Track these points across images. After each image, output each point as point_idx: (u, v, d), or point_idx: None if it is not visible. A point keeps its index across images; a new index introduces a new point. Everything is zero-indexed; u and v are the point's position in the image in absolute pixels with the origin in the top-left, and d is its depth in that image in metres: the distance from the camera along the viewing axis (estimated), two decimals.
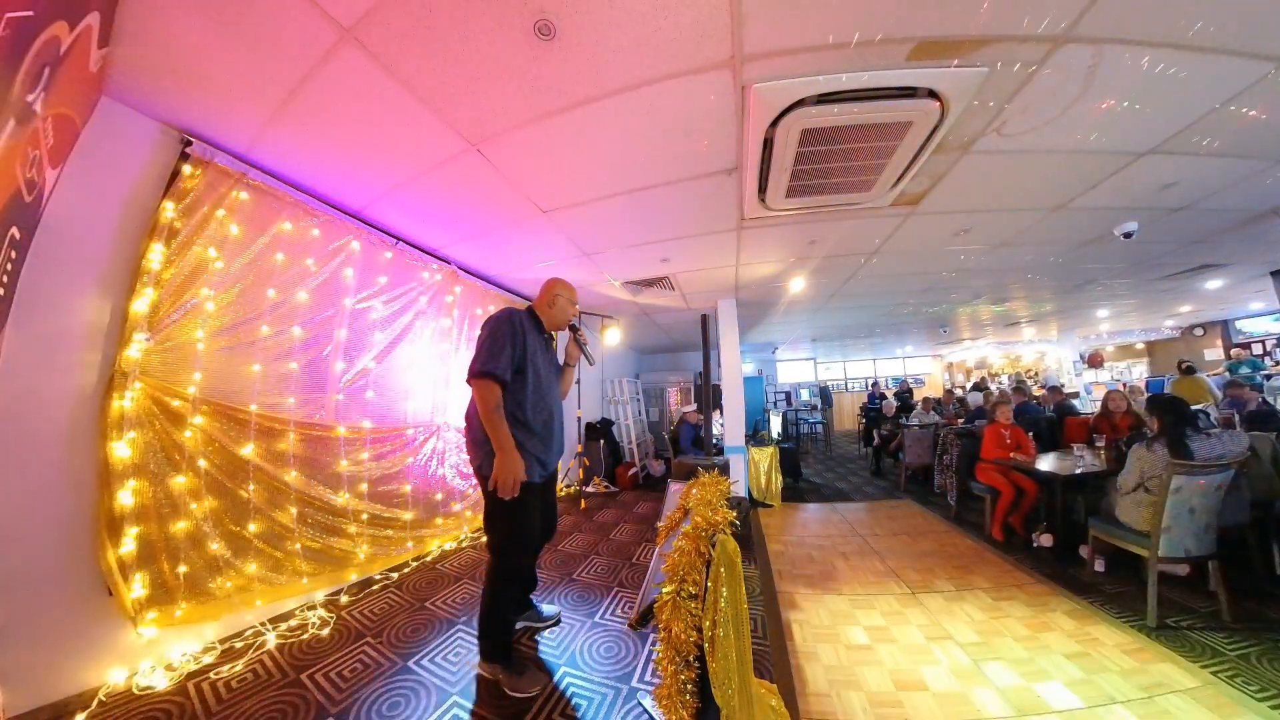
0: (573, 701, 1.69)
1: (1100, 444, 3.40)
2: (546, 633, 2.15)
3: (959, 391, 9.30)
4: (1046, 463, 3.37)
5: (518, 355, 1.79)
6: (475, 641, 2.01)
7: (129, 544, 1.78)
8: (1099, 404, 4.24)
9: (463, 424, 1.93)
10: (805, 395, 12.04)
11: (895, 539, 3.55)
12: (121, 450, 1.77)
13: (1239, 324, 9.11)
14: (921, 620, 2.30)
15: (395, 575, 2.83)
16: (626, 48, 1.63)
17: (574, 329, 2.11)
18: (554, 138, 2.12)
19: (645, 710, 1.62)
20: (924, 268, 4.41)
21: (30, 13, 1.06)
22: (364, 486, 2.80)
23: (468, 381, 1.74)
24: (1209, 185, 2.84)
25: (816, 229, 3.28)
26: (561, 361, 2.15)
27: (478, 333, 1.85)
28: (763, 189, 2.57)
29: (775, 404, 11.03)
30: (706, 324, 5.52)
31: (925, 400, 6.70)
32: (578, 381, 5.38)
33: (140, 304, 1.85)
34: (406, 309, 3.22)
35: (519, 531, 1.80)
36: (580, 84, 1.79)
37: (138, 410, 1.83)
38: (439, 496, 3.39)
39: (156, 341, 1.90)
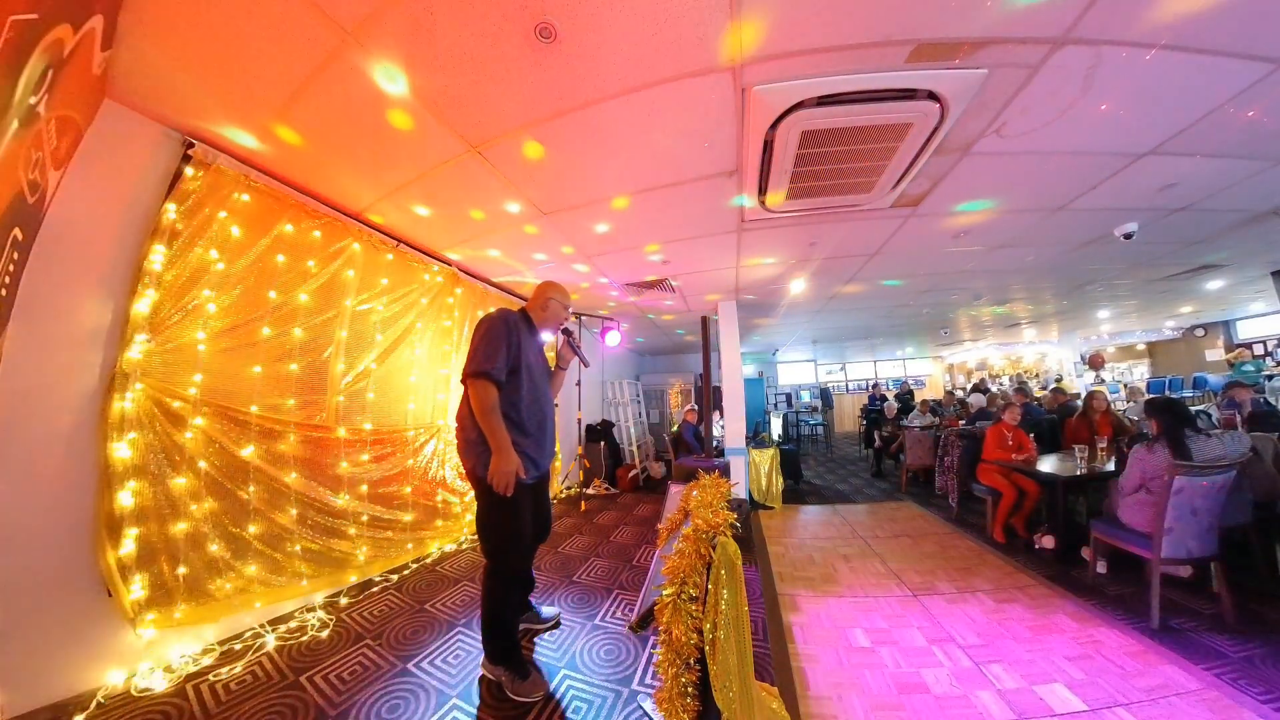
0: (573, 704, 1.68)
1: (1102, 445, 3.39)
2: (546, 635, 2.15)
3: (959, 393, 9.29)
4: (1048, 464, 3.36)
5: (512, 356, 1.81)
6: (475, 643, 2.01)
7: (129, 545, 1.77)
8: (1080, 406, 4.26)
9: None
10: (806, 397, 12.04)
11: (896, 541, 3.54)
12: (122, 451, 1.77)
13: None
14: (923, 622, 2.29)
15: (395, 577, 2.83)
16: (627, 50, 1.63)
17: (566, 332, 2.13)
18: (555, 140, 2.13)
19: (645, 713, 1.61)
20: (924, 269, 4.41)
21: (34, 15, 1.06)
22: (364, 488, 2.80)
23: (463, 381, 1.76)
24: (1209, 186, 2.84)
25: (817, 230, 3.28)
26: (554, 364, 2.16)
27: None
28: (763, 190, 2.57)
29: (776, 406, 11.03)
30: (707, 326, 5.53)
31: (924, 403, 6.67)
32: (578, 383, 5.39)
33: (142, 305, 1.86)
34: (407, 310, 3.23)
35: (513, 533, 1.81)
36: (581, 87, 1.80)
37: (138, 411, 1.83)
38: (439, 498, 3.38)
39: (157, 343, 1.91)
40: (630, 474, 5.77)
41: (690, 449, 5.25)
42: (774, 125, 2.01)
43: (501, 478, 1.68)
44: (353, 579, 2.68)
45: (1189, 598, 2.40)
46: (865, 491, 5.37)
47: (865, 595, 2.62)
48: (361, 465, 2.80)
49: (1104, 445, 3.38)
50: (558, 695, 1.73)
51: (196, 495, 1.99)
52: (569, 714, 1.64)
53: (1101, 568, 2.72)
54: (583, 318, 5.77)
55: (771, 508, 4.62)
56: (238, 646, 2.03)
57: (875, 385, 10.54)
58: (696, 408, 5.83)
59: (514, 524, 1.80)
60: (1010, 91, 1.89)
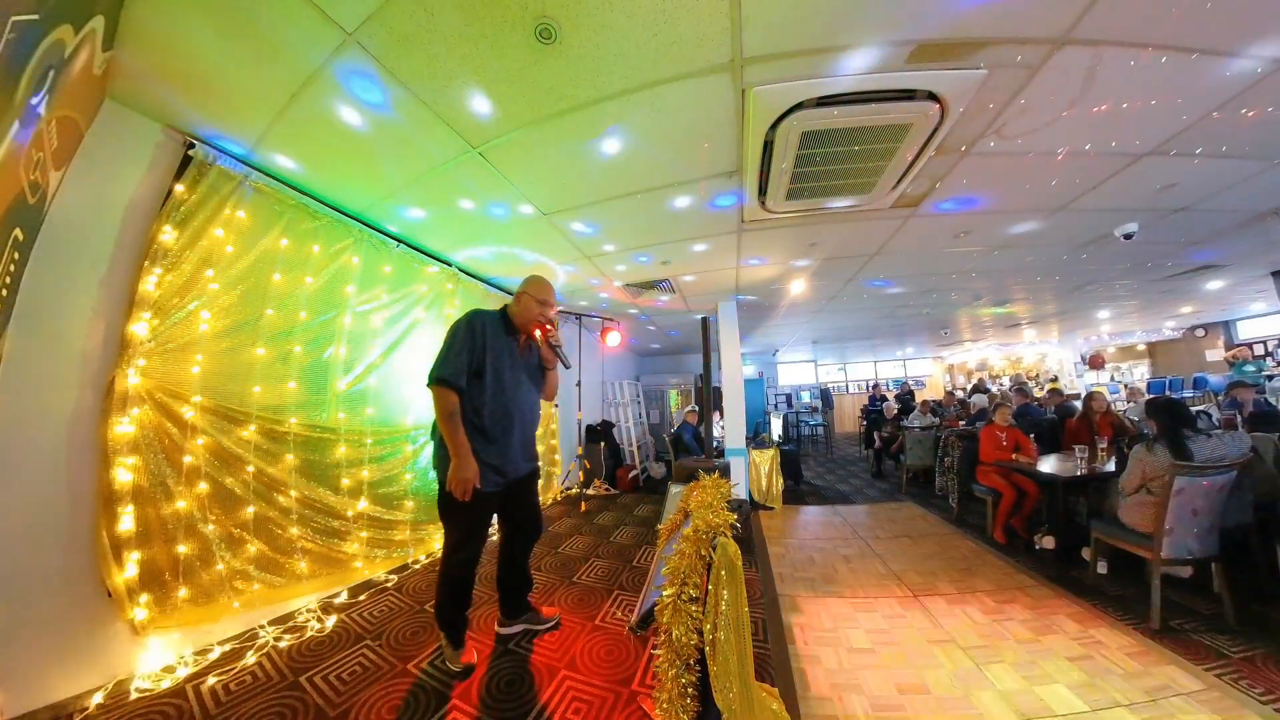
0: (573, 705, 1.68)
1: (1102, 446, 3.39)
2: (546, 635, 2.14)
3: (960, 393, 9.29)
4: (1048, 464, 3.36)
5: (475, 359, 1.81)
6: (475, 644, 2.02)
7: (128, 545, 1.77)
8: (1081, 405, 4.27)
9: None
10: (806, 397, 12.03)
11: (897, 541, 3.54)
12: (122, 452, 1.77)
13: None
14: (923, 623, 2.28)
15: (395, 578, 2.83)
16: (627, 51, 1.63)
17: (544, 329, 2.00)
18: (555, 140, 2.13)
19: (645, 714, 1.61)
20: (925, 269, 4.41)
21: (36, 16, 1.07)
22: (364, 489, 2.79)
23: (427, 387, 1.78)
24: (1209, 186, 2.84)
25: (817, 231, 3.28)
26: (544, 364, 2.07)
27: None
28: (763, 191, 2.57)
29: (776, 406, 11.03)
30: (707, 326, 5.53)
31: (924, 403, 6.67)
32: (578, 383, 5.38)
33: (142, 305, 1.86)
34: (408, 311, 3.23)
35: (463, 537, 1.83)
36: (581, 87, 1.80)
37: (139, 411, 1.83)
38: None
39: (158, 343, 1.91)
40: (630, 474, 5.77)
41: (690, 451, 5.25)
42: (774, 125, 2.02)
43: (457, 485, 1.71)
44: (353, 579, 2.67)
45: (1190, 598, 2.39)
46: (865, 492, 5.37)
47: (865, 596, 2.62)
48: (362, 465, 2.80)
49: (1104, 446, 3.38)
50: (558, 695, 1.73)
51: (196, 496, 1.99)
52: (569, 714, 1.64)
53: (1102, 568, 2.72)
54: (582, 318, 5.77)
55: (772, 508, 4.62)
56: (238, 647, 2.03)
57: (875, 386, 10.54)
58: (697, 409, 5.83)
59: (466, 529, 1.83)
60: (1010, 91, 1.89)
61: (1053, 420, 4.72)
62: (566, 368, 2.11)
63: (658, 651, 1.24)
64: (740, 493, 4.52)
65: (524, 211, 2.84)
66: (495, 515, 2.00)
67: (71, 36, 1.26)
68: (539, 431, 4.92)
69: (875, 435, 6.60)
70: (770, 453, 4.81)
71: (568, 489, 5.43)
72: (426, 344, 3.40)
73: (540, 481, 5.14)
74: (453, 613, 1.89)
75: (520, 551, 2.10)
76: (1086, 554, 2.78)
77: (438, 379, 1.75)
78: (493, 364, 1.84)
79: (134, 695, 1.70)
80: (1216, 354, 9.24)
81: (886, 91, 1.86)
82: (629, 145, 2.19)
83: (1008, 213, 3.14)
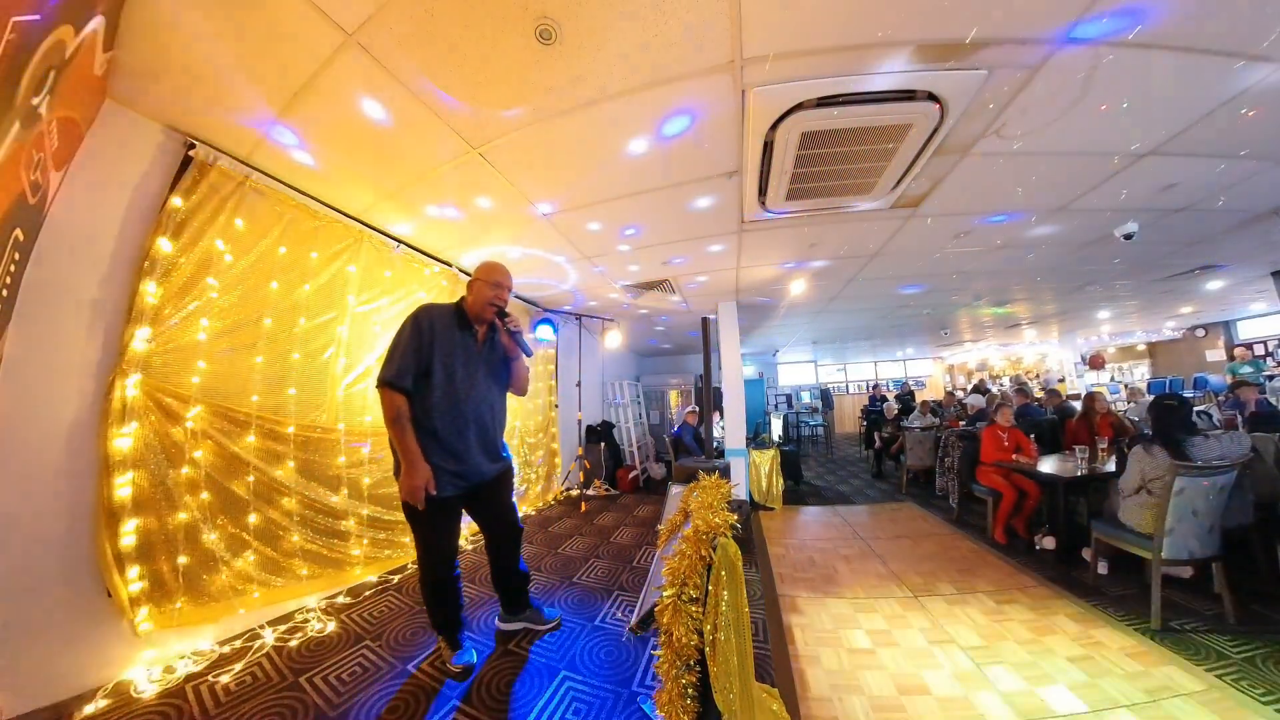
0: (573, 705, 1.68)
1: (1103, 446, 3.39)
2: (547, 636, 2.14)
3: (960, 394, 9.28)
4: (1048, 465, 3.36)
5: (423, 358, 1.73)
6: (474, 645, 2.03)
7: (128, 545, 1.77)
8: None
9: None
10: (806, 398, 12.04)
11: (897, 542, 3.54)
12: (121, 452, 1.77)
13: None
14: (924, 624, 2.28)
15: (395, 578, 2.83)
16: (627, 51, 1.64)
17: (501, 316, 1.86)
18: (555, 141, 2.13)
19: (645, 714, 1.61)
20: (925, 269, 4.41)
21: (37, 16, 1.07)
22: (364, 488, 2.79)
23: (376, 388, 1.72)
24: (1209, 186, 2.84)
25: (817, 231, 3.28)
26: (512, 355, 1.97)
27: None
28: (763, 191, 2.57)
29: (776, 406, 11.03)
30: (707, 327, 5.52)
31: (924, 404, 6.67)
32: (578, 384, 5.39)
33: (142, 307, 1.86)
34: (408, 312, 3.23)
35: (429, 543, 1.82)
36: (581, 87, 1.80)
37: (138, 413, 1.83)
38: None
39: (158, 343, 1.91)
40: (630, 475, 5.77)
41: (690, 452, 5.24)
42: (774, 126, 2.02)
43: (408, 493, 1.66)
44: (352, 579, 2.67)
45: (1190, 598, 2.39)
46: (865, 493, 5.37)
47: (866, 596, 2.62)
48: (361, 466, 2.80)
49: (1104, 446, 3.38)
50: (558, 696, 1.73)
51: (196, 497, 1.99)
52: (569, 715, 1.63)
53: (1103, 568, 2.72)
54: (582, 319, 5.77)
55: (772, 509, 4.62)
56: (237, 647, 2.03)
57: (876, 386, 10.54)
58: (697, 409, 5.83)
59: (426, 537, 1.81)
60: (1010, 92, 1.89)
61: (1053, 420, 4.72)
62: (528, 355, 1.96)
63: (658, 652, 1.24)
64: (740, 493, 4.52)
65: (524, 212, 2.84)
66: (469, 517, 1.97)
67: (72, 37, 1.26)
68: (537, 425, 4.93)
69: (875, 435, 6.60)
70: (770, 453, 4.80)
71: (568, 489, 5.43)
72: None
73: (539, 483, 5.09)
74: (442, 615, 1.87)
75: (505, 553, 2.06)
76: (1087, 554, 2.78)
77: (383, 381, 1.67)
78: (442, 361, 1.74)
79: (134, 695, 1.70)
80: (1217, 354, 9.24)
81: (887, 92, 1.86)
82: (629, 146, 2.19)
83: (1007, 213, 3.14)
